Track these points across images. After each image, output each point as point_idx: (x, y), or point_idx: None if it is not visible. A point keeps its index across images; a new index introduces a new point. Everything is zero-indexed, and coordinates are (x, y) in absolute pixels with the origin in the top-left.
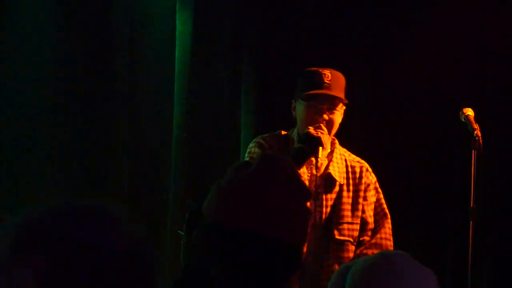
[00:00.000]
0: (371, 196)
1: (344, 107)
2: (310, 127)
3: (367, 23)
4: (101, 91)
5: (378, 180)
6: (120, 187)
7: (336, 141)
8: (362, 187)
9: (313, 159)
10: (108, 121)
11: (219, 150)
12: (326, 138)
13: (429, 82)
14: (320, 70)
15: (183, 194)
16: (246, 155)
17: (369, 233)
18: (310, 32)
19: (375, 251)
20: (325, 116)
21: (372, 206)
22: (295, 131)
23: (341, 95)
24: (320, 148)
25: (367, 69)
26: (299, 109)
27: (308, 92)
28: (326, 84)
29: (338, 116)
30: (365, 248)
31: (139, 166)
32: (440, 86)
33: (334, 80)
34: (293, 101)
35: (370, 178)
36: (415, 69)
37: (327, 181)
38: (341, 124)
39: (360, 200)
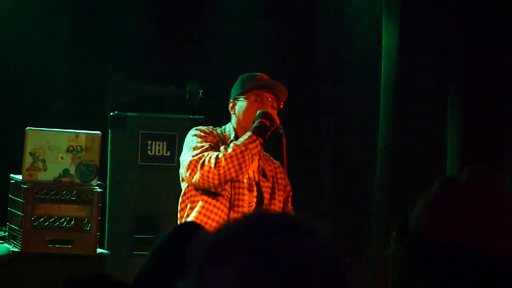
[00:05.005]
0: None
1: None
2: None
3: None
4: (305, 104)
5: None
6: (324, 200)
7: None
8: (280, 177)
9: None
10: (312, 134)
11: (426, 163)
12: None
13: None
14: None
15: (389, 207)
16: (191, 141)
17: None
18: None
19: None
20: (271, 108)
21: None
22: (230, 128)
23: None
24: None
25: None
26: (242, 105)
27: (258, 83)
28: (270, 81)
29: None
30: None
31: (343, 179)
32: None
33: (275, 82)
34: (231, 101)
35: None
36: None
37: (262, 173)
38: None
39: (281, 189)
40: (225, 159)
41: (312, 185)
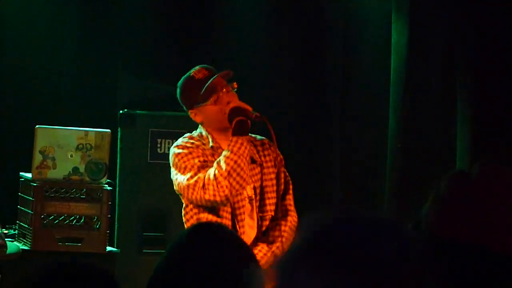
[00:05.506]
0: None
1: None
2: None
3: None
4: (314, 101)
5: None
6: (333, 199)
7: None
8: (266, 154)
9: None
10: (321, 131)
11: (435, 161)
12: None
13: None
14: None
15: (399, 205)
16: (177, 161)
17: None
18: None
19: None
20: (232, 96)
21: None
22: (205, 133)
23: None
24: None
25: None
26: (206, 111)
27: (208, 83)
28: (216, 74)
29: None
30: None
31: (351, 176)
32: None
33: (220, 73)
34: (190, 111)
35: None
36: None
37: (251, 160)
38: None
39: (270, 166)
40: (224, 178)
41: (321, 184)
